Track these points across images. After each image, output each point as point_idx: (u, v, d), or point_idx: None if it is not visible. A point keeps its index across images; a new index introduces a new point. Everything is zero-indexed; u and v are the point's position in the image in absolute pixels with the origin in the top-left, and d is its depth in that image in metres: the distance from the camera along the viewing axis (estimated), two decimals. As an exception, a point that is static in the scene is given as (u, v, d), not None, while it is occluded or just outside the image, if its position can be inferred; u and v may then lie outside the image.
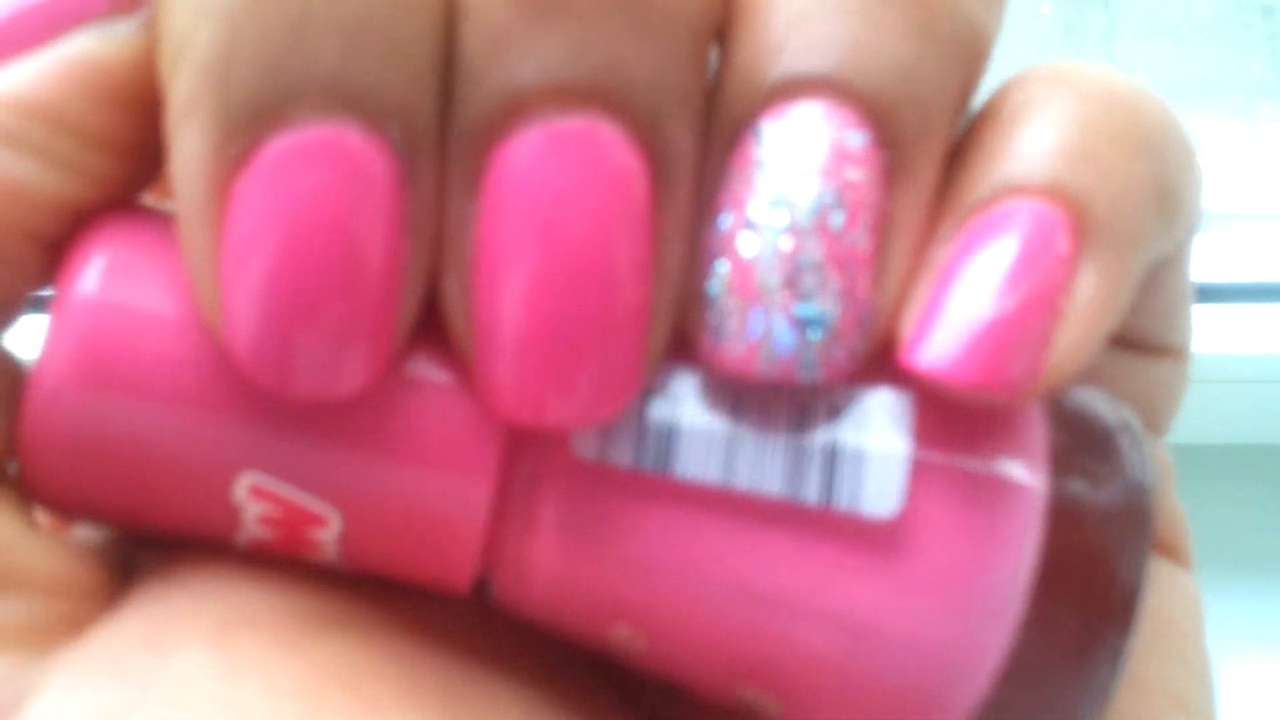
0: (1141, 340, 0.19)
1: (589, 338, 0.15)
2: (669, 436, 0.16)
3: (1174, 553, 0.19)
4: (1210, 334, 0.59)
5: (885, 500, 0.16)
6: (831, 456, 0.16)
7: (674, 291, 0.16)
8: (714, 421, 0.16)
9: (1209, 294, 0.60)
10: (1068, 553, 0.16)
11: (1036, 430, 0.16)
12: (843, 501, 0.16)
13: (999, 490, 0.16)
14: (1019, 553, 0.16)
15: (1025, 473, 0.16)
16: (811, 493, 0.16)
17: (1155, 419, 0.20)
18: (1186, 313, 0.19)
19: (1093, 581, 0.16)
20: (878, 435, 0.16)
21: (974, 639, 0.16)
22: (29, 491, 0.16)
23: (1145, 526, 0.16)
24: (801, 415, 0.16)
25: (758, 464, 0.16)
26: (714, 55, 0.16)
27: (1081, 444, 0.17)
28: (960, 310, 0.15)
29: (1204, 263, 0.61)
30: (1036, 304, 0.15)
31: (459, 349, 0.16)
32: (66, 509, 0.16)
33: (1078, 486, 0.16)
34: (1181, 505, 0.20)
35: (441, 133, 0.15)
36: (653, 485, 0.16)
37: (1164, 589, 0.19)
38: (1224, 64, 0.73)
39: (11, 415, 0.16)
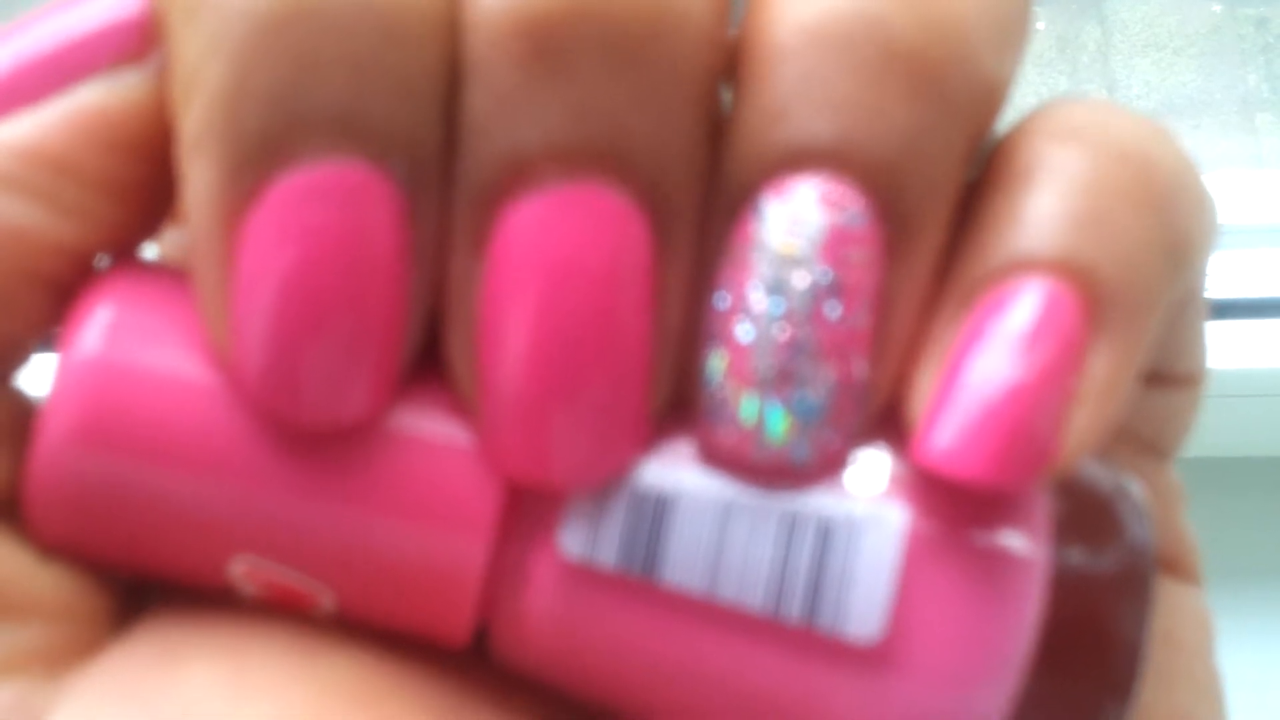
0: (1153, 373, 0.19)
1: (592, 395, 0.15)
2: (655, 543, 0.16)
3: (1184, 572, 0.19)
4: (1211, 348, 0.59)
5: (869, 622, 0.16)
6: (817, 574, 0.16)
7: (674, 350, 0.16)
8: (701, 528, 0.16)
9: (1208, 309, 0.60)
10: (1069, 624, 0.16)
11: (1037, 501, 0.16)
12: (825, 622, 0.16)
13: (1000, 565, 0.16)
14: (1019, 631, 0.16)
15: (1027, 544, 0.16)
16: (794, 611, 0.16)
17: (1166, 444, 0.19)
18: (1200, 342, 0.19)
19: (1094, 651, 0.16)
20: (867, 547, 0.16)
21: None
22: (32, 536, 0.16)
23: (1145, 591, 0.16)
24: (791, 517, 0.16)
25: (742, 577, 0.16)
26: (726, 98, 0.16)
27: (1081, 513, 0.17)
28: (969, 401, 0.15)
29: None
30: (1047, 388, 0.15)
31: (464, 402, 0.16)
32: (67, 554, 0.16)
33: (1078, 556, 0.16)
34: (1191, 524, 0.20)
35: (446, 174, 0.15)
36: (637, 589, 0.16)
37: (1173, 609, 0.19)
38: (1220, 76, 0.74)
39: (20, 454, 0.16)
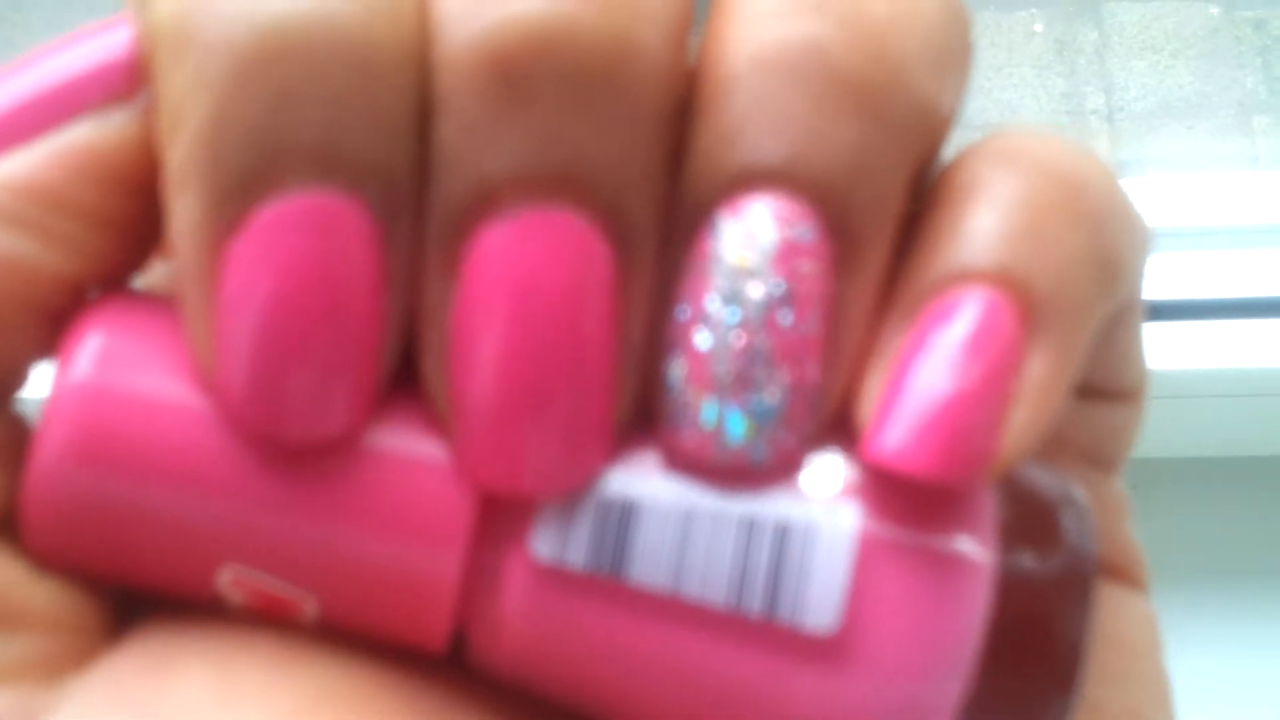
0: (1094, 387, 0.19)
1: (559, 408, 0.16)
2: (622, 545, 0.17)
3: (1131, 579, 0.20)
4: (1206, 349, 0.59)
5: (825, 614, 0.16)
6: (776, 571, 0.16)
7: (637, 365, 0.17)
8: (665, 530, 0.17)
9: (1205, 309, 0.61)
10: (1015, 627, 0.17)
11: (985, 506, 0.17)
12: (784, 615, 0.16)
13: (949, 567, 0.17)
14: (968, 630, 0.16)
15: (975, 548, 0.17)
16: (754, 606, 0.16)
17: (1111, 457, 0.20)
18: (1139, 357, 0.20)
19: (1039, 649, 0.17)
20: (822, 545, 0.16)
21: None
22: (28, 550, 0.17)
23: (1087, 594, 0.17)
24: (750, 519, 0.16)
25: (705, 576, 0.16)
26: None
27: (1027, 518, 0.17)
28: (915, 401, 0.16)
29: (1200, 278, 0.61)
30: (988, 390, 0.16)
31: (439, 418, 0.17)
32: (62, 568, 0.17)
33: (1024, 561, 0.17)
34: (1141, 533, 0.20)
35: (419, 201, 0.16)
36: (606, 588, 0.17)
37: (1120, 614, 0.20)
38: (1217, 78, 0.74)
39: (16, 473, 0.17)
